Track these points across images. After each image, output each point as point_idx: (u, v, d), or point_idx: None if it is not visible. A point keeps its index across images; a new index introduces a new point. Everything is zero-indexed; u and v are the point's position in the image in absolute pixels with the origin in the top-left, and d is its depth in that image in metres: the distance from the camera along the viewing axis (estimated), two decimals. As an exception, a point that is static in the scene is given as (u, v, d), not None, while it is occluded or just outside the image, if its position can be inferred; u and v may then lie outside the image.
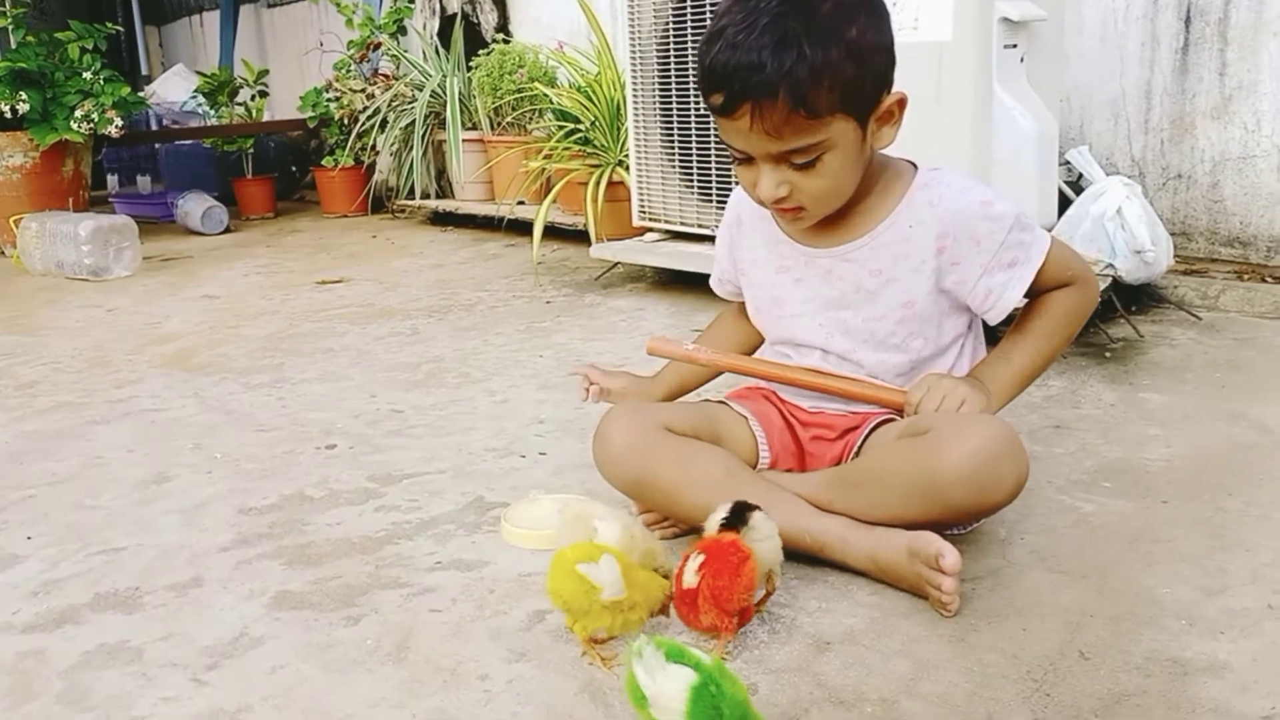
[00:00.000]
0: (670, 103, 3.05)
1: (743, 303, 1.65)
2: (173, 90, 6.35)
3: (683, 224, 3.13)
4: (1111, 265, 2.42)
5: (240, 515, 1.67)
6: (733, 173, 1.53)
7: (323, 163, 5.38)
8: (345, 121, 5.24)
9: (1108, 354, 2.27)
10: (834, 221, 1.45)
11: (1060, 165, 2.78)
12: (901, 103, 1.37)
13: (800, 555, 1.37)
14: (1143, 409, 1.93)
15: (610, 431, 1.46)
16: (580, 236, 3.96)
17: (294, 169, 6.13)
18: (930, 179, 1.45)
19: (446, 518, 1.62)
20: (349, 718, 1.12)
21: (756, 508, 1.24)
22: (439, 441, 1.97)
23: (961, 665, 1.16)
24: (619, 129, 3.57)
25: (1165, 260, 2.48)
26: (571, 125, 3.71)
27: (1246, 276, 2.78)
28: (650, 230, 3.31)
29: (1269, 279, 2.73)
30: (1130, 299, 2.59)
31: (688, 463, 1.42)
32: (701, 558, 1.18)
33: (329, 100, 5.36)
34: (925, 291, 1.44)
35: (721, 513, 1.23)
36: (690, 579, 1.17)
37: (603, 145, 3.62)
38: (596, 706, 1.12)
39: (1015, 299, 1.44)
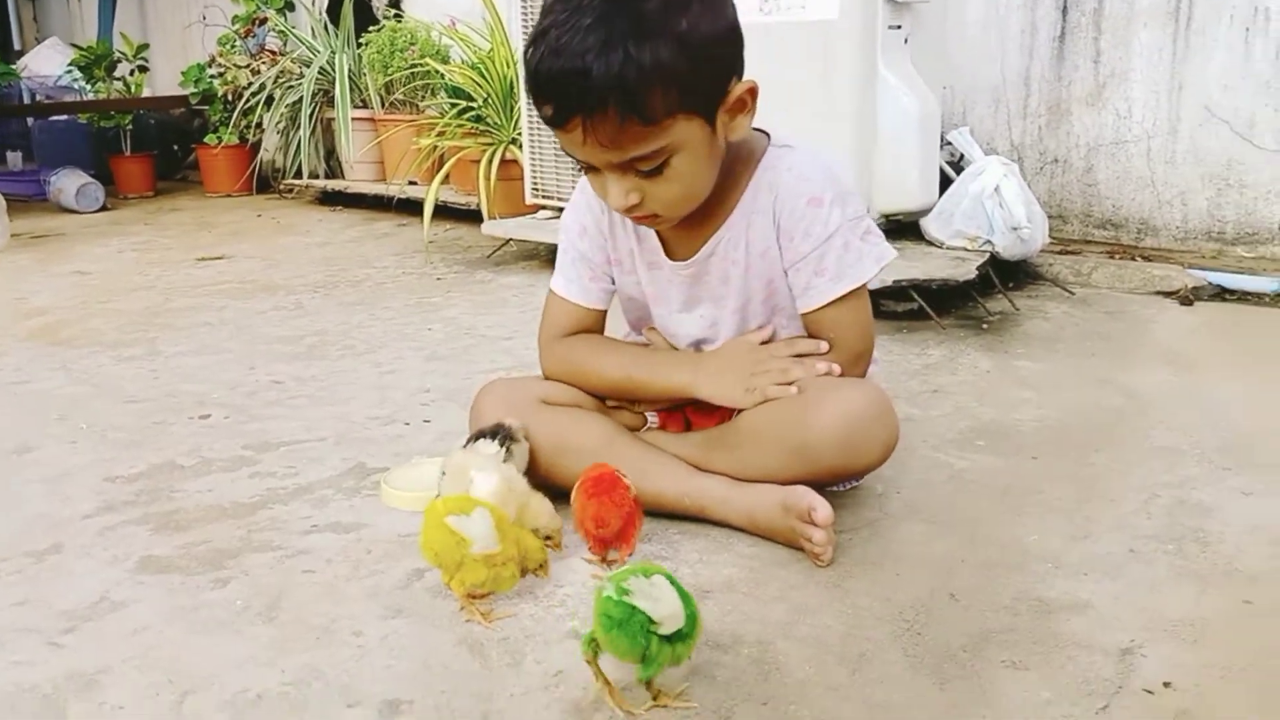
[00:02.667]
0: (562, 79, 3.04)
1: (596, 331, 1.53)
2: (46, 64, 6.06)
3: (575, 201, 3.12)
4: (990, 241, 2.49)
5: (105, 483, 1.60)
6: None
7: (205, 140, 5.21)
8: (229, 98, 5.08)
9: (985, 326, 2.34)
10: (690, 219, 1.36)
11: (943, 148, 2.85)
12: (753, 91, 1.28)
13: (681, 517, 1.38)
14: (1016, 375, 1.99)
15: (484, 404, 1.45)
16: (473, 216, 3.91)
17: (176, 148, 5.92)
18: (775, 159, 1.37)
19: (324, 483, 1.58)
20: (215, 675, 1.08)
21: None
22: (320, 411, 1.92)
23: (836, 609, 1.17)
24: (512, 107, 3.54)
25: (1040, 238, 2.56)
26: (464, 103, 3.67)
27: (1118, 256, 2.89)
28: (543, 208, 3.28)
29: (1139, 257, 2.84)
30: (1008, 276, 2.67)
31: (563, 431, 1.41)
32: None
33: (212, 76, 5.20)
34: (779, 272, 1.40)
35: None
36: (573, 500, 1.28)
37: (496, 123, 3.59)
38: (474, 657, 1.10)
39: (807, 306, 1.38)
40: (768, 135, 1.41)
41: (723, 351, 1.42)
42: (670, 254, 1.44)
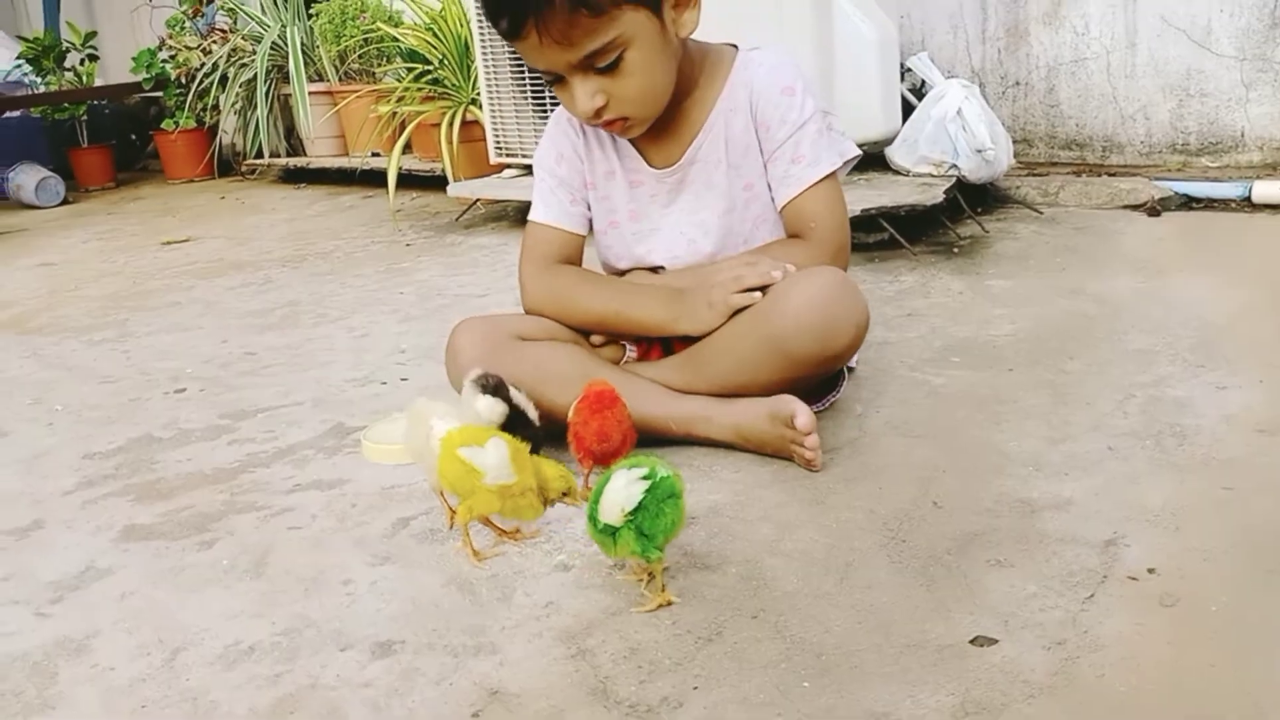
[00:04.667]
0: (517, 33, 3.00)
1: (576, 259, 1.54)
2: (-8, 60, 5.95)
3: (539, 157, 3.09)
4: (955, 165, 2.49)
5: (84, 460, 1.59)
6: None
7: (163, 126, 5.14)
8: (183, 81, 5.00)
9: (955, 250, 2.34)
10: (667, 126, 1.43)
11: (904, 77, 2.84)
12: None
13: (665, 441, 1.38)
14: (989, 294, 2.00)
15: (459, 343, 1.44)
16: (438, 182, 3.87)
17: (133, 137, 5.84)
18: (747, 59, 1.44)
19: (305, 445, 1.58)
20: (205, 631, 1.08)
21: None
22: (296, 377, 1.91)
23: (820, 524, 1.18)
24: (469, 67, 3.50)
25: (1005, 159, 2.56)
26: (421, 66, 3.62)
27: (1084, 175, 2.89)
28: (508, 166, 3.26)
29: (1104, 174, 2.85)
30: (976, 200, 2.67)
31: (541, 363, 1.40)
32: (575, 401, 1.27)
33: (164, 61, 5.11)
34: (759, 173, 1.45)
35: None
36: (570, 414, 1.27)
37: (454, 84, 3.55)
38: (463, 595, 1.10)
39: (786, 196, 1.42)
40: (735, 47, 1.47)
41: (697, 279, 1.42)
42: (652, 165, 1.47)
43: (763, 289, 1.33)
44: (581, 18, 1.24)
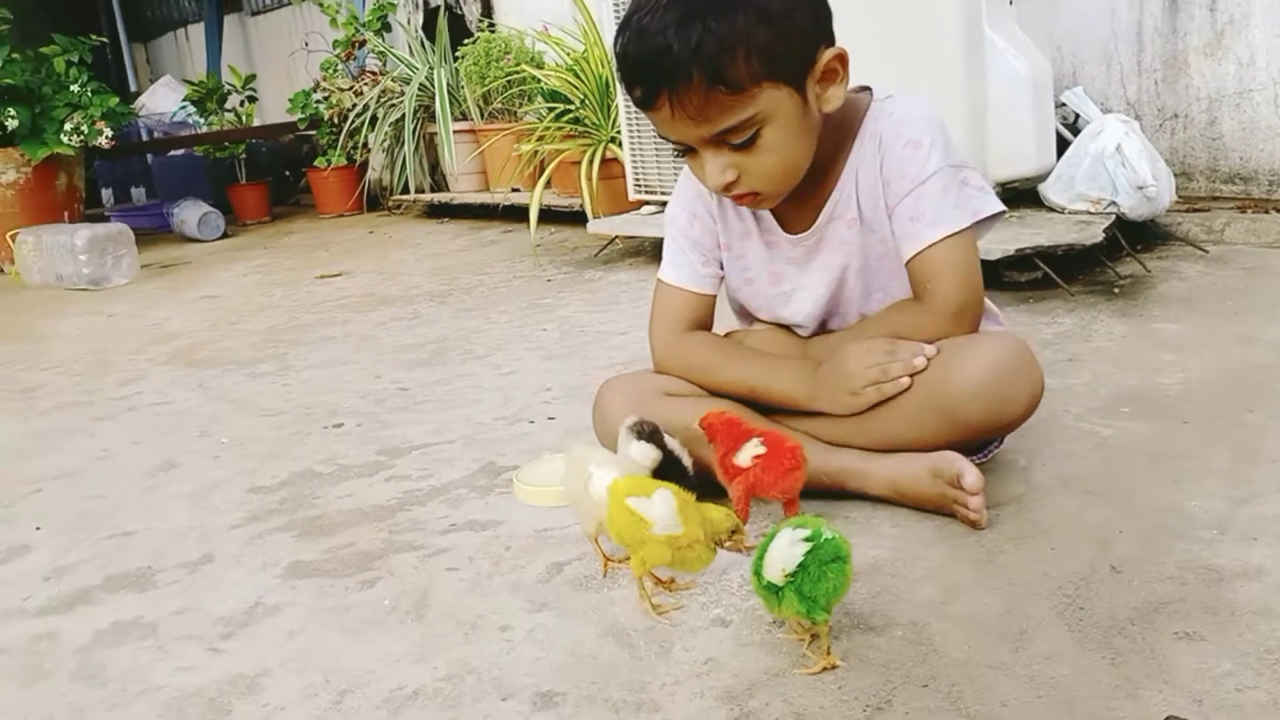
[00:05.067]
0: (660, 72, 3.02)
1: (707, 318, 1.50)
2: (161, 101, 6.33)
3: (679, 194, 3.10)
4: (1114, 203, 2.39)
5: (249, 494, 1.65)
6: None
7: (315, 164, 5.36)
8: (335, 121, 5.23)
9: (1116, 290, 2.25)
10: (801, 191, 1.35)
11: (1057, 110, 2.75)
12: (842, 58, 1.26)
13: (819, 494, 1.35)
14: (1155, 338, 1.91)
15: (608, 401, 1.43)
16: (577, 218, 3.93)
17: (288, 174, 6.12)
18: (879, 110, 1.36)
19: (458, 483, 1.60)
20: (370, 673, 1.10)
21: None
22: (446, 414, 1.95)
23: (990, 586, 1.13)
24: (609, 105, 3.54)
25: (1168, 195, 2.45)
26: (562, 105, 3.69)
27: (1250, 211, 2.75)
28: (646, 203, 3.28)
29: (1273, 210, 2.70)
30: (1136, 237, 2.56)
31: (691, 417, 1.39)
32: (762, 450, 1.24)
33: (317, 101, 5.35)
34: (889, 231, 1.37)
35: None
36: (744, 459, 1.24)
37: (594, 123, 3.60)
38: (621, 648, 1.09)
39: (907, 253, 1.33)
40: (870, 91, 1.39)
41: (835, 360, 1.37)
42: (787, 229, 1.43)
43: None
44: (719, 95, 1.20)
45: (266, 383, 2.30)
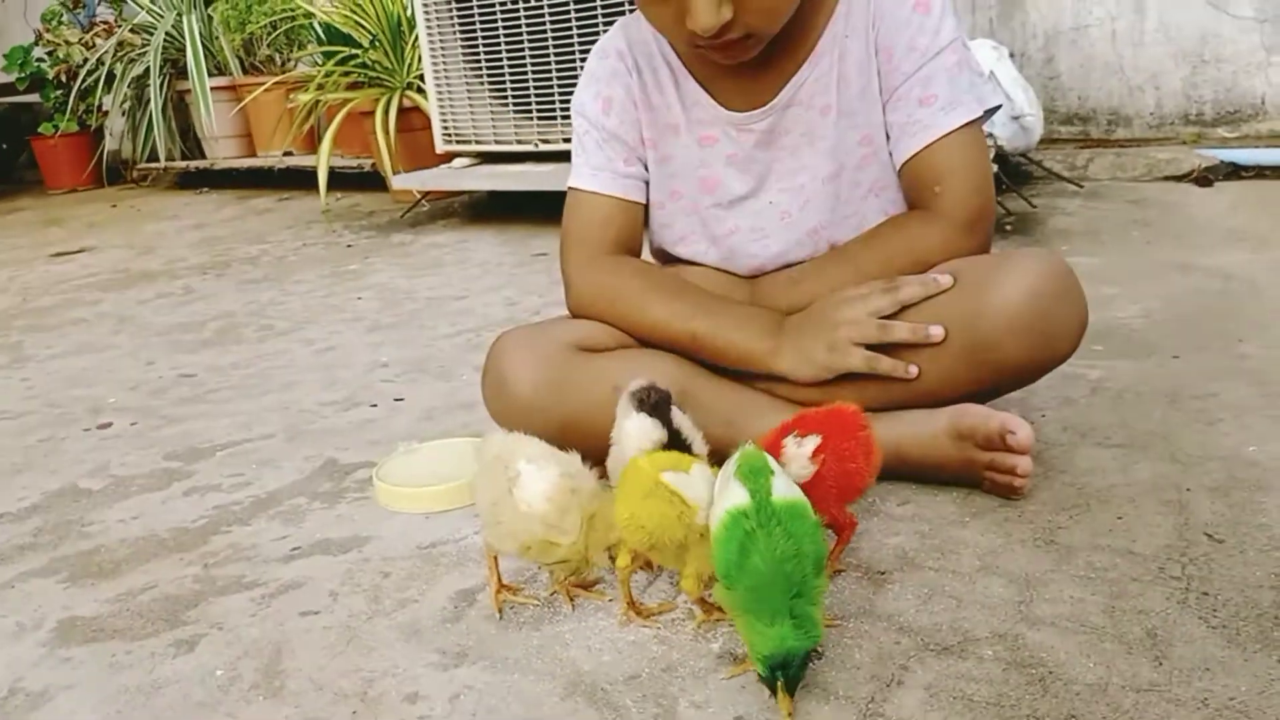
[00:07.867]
0: (471, 7, 2.61)
1: (635, 237, 1.17)
2: None
3: (498, 143, 2.72)
4: (991, 135, 2.21)
5: (-15, 527, 1.18)
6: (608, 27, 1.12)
7: (40, 130, 4.59)
8: (63, 80, 4.48)
9: (1007, 227, 2.06)
10: (755, 61, 1.05)
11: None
12: None
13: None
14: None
15: (510, 362, 1.04)
16: (366, 180, 3.48)
17: (3, 145, 5.25)
18: None
19: (291, 490, 1.19)
20: (214, 799, 0.70)
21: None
22: (254, 403, 1.51)
23: (1071, 574, 0.85)
24: (404, 46, 3.11)
25: (1039, 127, 2.30)
26: (345, 49, 3.21)
27: (1088, 149, 2.65)
28: (458, 155, 2.87)
29: (1114, 149, 2.61)
30: (1010, 175, 2.40)
31: (619, 378, 1.02)
32: (818, 439, 0.84)
33: (39, 59, 4.58)
34: (879, 122, 1.08)
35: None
36: (803, 469, 0.83)
37: (386, 68, 3.15)
38: (599, 711, 0.74)
39: (909, 149, 1.05)
40: None
41: (816, 306, 1.05)
42: (730, 108, 1.10)
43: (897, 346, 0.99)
44: None
45: (-3, 378, 1.77)
